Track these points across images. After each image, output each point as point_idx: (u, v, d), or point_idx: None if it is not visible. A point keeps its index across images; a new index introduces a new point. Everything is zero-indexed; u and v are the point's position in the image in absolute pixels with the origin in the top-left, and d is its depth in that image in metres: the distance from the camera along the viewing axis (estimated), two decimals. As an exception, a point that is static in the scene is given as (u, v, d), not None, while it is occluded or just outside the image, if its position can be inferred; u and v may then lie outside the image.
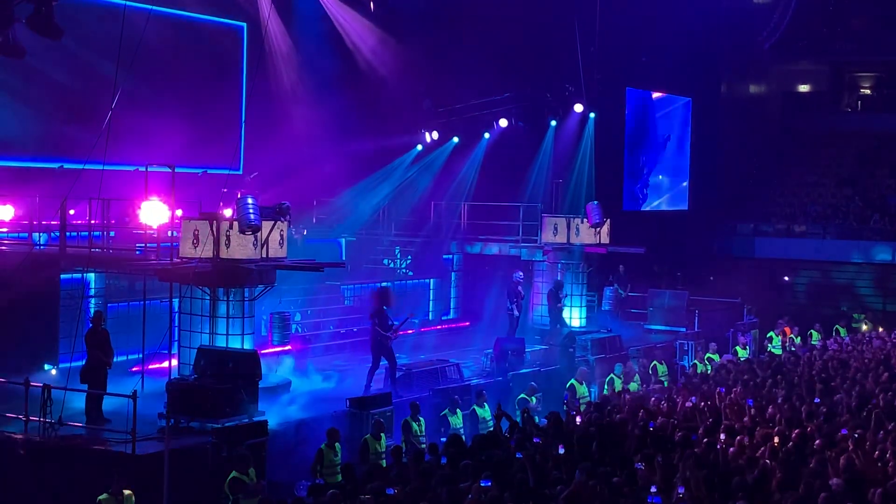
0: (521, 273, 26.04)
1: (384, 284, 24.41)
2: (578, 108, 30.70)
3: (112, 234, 21.50)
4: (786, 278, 38.27)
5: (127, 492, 13.37)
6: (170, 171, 19.02)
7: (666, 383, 21.53)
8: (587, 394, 21.29)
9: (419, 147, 31.69)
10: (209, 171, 24.66)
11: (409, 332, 25.35)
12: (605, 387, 21.69)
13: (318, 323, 24.83)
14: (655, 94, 35.95)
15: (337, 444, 15.83)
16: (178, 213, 19.87)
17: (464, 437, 16.30)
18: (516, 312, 25.18)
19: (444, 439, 15.91)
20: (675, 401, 17.46)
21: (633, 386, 21.37)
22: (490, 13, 28.47)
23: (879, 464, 12.90)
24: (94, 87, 20.95)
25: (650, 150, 36.11)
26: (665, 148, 36.91)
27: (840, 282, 37.69)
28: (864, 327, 32.07)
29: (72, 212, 21.22)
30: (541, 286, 27.29)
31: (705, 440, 14.20)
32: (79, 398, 16.50)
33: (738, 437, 14.09)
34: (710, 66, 38.10)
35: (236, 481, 14.19)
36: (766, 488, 11.69)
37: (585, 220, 26.88)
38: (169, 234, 19.38)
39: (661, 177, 36.86)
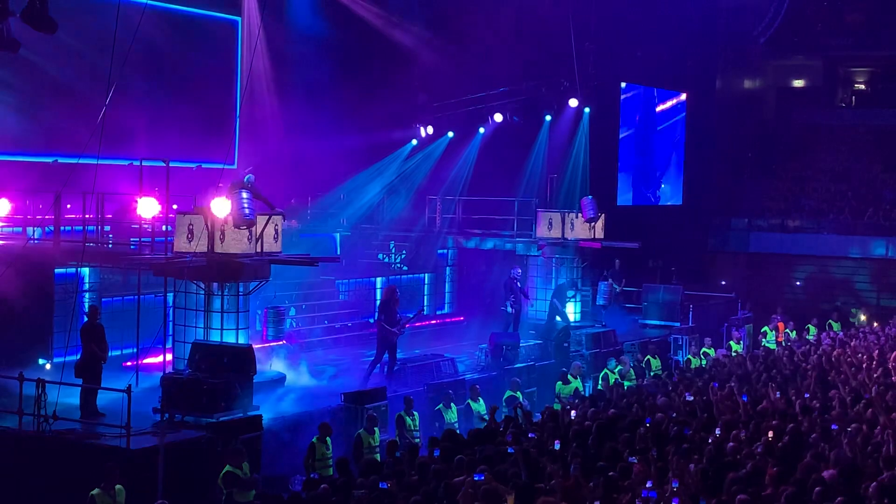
0: (519, 269, 26.07)
1: (393, 284, 24.44)
2: (573, 102, 30.68)
3: (107, 228, 21.46)
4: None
5: (118, 486, 13.37)
6: (164, 165, 19.00)
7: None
8: (581, 389, 21.33)
9: (414, 142, 31.67)
10: (203, 166, 24.63)
11: (406, 326, 25.41)
12: (600, 381, 21.74)
13: (313, 318, 24.82)
14: (652, 90, 35.94)
15: (328, 438, 15.83)
16: (175, 207, 19.85)
17: (458, 432, 16.33)
18: (510, 309, 25.20)
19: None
20: (672, 396, 17.50)
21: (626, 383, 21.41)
22: (485, 8, 28.45)
23: (870, 459, 12.91)
24: (88, 81, 20.92)
25: (650, 147, 36.12)
26: (661, 144, 36.93)
27: (835, 276, 37.75)
28: (863, 317, 32.14)
29: (69, 206, 21.20)
30: (535, 280, 27.30)
31: (700, 434, 14.24)
32: (73, 393, 16.49)
33: (733, 432, 14.12)
34: (705, 61, 38.12)
35: (230, 475, 14.20)
36: (761, 482, 11.71)
37: (580, 214, 26.90)
38: (163, 228, 19.35)
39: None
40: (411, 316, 21.96)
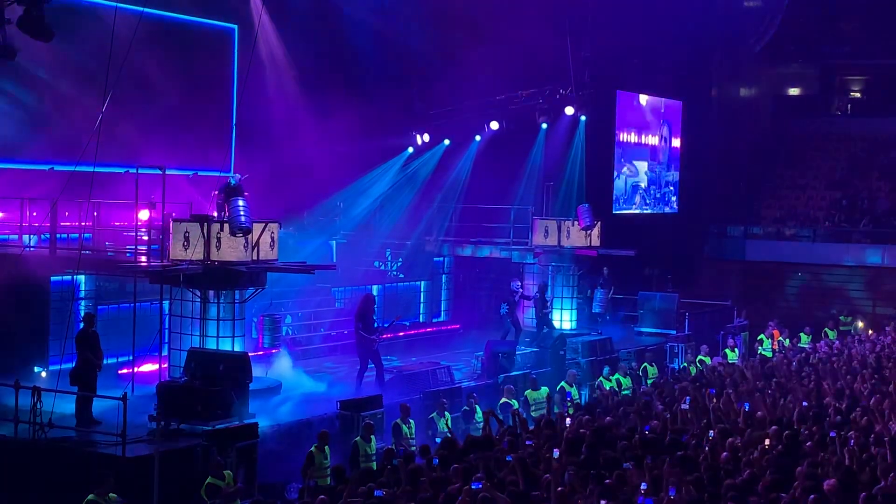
0: (518, 282, 26.17)
1: (369, 291, 24.51)
2: (569, 110, 30.72)
3: (103, 235, 21.44)
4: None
5: (111, 494, 13.34)
6: (160, 172, 19.00)
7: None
8: (577, 396, 21.33)
9: (410, 149, 31.67)
10: (200, 173, 24.63)
11: (400, 334, 25.42)
12: (596, 389, 21.74)
13: (309, 325, 24.83)
14: (647, 97, 35.99)
15: (327, 447, 15.81)
16: (173, 215, 19.85)
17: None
18: (503, 310, 25.27)
19: (438, 440, 15.95)
20: (668, 404, 17.51)
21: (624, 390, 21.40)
22: (481, 16, 28.48)
23: (867, 468, 12.92)
24: (84, 89, 20.88)
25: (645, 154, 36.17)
26: (658, 153, 36.99)
27: (830, 284, 37.76)
28: (860, 324, 32.12)
29: (67, 213, 21.20)
30: (532, 289, 27.34)
31: (695, 442, 14.24)
32: (69, 400, 16.47)
33: (729, 440, 14.12)
34: (701, 70, 38.15)
35: (211, 487, 14.17)
36: (757, 491, 11.72)
37: (576, 222, 26.93)
38: (160, 236, 19.35)
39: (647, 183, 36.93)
40: (387, 325, 22.07)
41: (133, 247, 20.14)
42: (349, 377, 21.30)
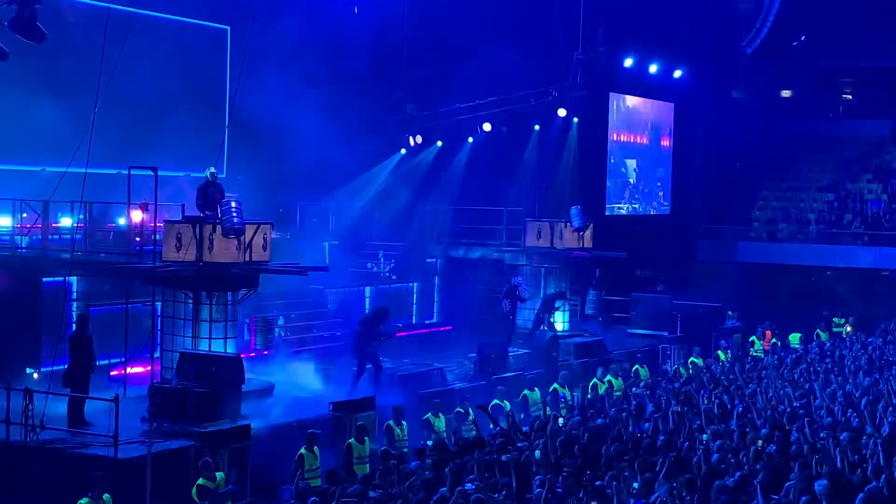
0: (520, 278, 26.22)
1: (385, 306, 24.44)
2: (562, 112, 30.77)
3: (96, 236, 21.39)
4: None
5: (105, 496, 13.32)
6: (152, 174, 18.97)
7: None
8: (570, 398, 21.34)
9: (403, 151, 31.69)
10: (192, 175, 24.59)
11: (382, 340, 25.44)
12: (589, 391, 21.76)
13: (302, 327, 24.80)
14: (639, 99, 36.08)
15: (316, 448, 15.75)
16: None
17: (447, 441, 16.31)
18: (506, 308, 25.34)
19: (429, 443, 15.95)
20: (660, 405, 17.54)
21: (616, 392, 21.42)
22: (474, 18, 28.50)
23: (859, 469, 12.96)
24: (77, 90, 20.86)
25: (635, 156, 36.27)
26: (648, 153, 37.09)
27: (822, 286, 37.85)
28: (849, 328, 32.22)
29: (60, 214, 21.16)
30: (524, 292, 27.34)
31: (687, 444, 14.27)
32: (61, 402, 16.44)
33: (720, 441, 14.15)
34: (692, 72, 38.24)
35: (201, 488, 14.15)
36: (748, 491, 11.75)
37: (569, 224, 26.96)
38: (153, 237, 19.31)
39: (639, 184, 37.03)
40: (385, 331, 22.13)
41: (126, 248, 20.09)
42: (342, 379, 21.26)
